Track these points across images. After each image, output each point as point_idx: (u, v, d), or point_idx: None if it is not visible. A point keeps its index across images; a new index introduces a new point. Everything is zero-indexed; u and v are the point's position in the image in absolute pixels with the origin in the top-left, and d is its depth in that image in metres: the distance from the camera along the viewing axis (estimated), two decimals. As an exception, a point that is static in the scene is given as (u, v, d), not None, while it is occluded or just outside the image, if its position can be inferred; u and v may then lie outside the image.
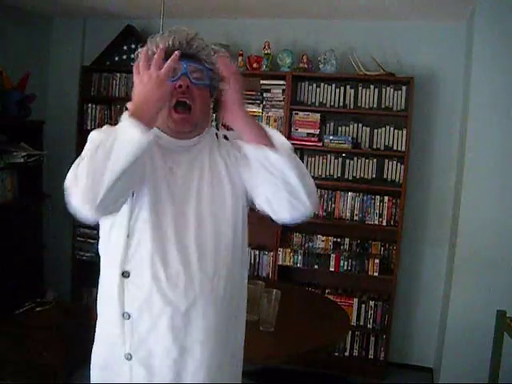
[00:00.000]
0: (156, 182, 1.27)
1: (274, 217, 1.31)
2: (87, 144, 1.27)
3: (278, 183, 1.22)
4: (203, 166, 1.32)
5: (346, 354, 3.75)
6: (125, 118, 1.15)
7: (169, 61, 1.20)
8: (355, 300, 3.69)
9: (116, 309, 1.27)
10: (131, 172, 1.14)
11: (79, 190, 1.11)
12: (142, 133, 1.12)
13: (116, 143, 1.11)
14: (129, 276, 1.26)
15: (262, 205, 1.30)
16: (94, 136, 1.29)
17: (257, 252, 3.86)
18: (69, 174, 1.17)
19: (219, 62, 1.27)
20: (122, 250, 1.27)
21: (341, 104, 3.69)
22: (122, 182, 1.12)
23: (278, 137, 1.26)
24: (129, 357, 1.27)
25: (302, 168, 1.25)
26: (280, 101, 3.75)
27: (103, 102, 4.18)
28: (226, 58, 1.30)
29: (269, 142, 1.22)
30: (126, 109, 1.20)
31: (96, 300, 1.39)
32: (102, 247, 1.37)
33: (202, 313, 1.28)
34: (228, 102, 1.25)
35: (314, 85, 3.73)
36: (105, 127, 1.33)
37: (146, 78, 1.20)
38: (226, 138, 1.41)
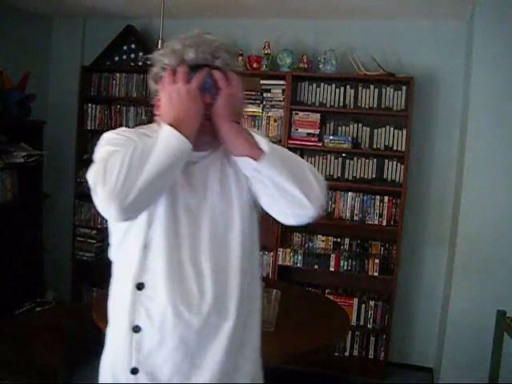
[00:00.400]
0: (175, 193, 1.24)
1: (280, 221, 1.27)
2: (102, 145, 1.23)
3: (272, 192, 1.18)
4: (215, 177, 1.28)
5: (346, 353, 3.75)
6: (164, 128, 1.12)
7: (199, 77, 1.19)
8: (355, 300, 3.69)
9: (126, 321, 1.24)
10: (165, 179, 1.12)
11: (108, 187, 1.06)
12: (183, 142, 1.11)
13: (156, 147, 1.09)
14: (143, 288, 1.22)
15: (268, 211, 1.27)
16: (111, 137, 1.25)
17: (257, 252, 3.86)
18: (92, 172, 1.12)
19: (215, 74, 1.22)
20: (138, 261, 1.22)
21: (341, 104, 3.69)
22: (154, 187, 1.10)
23: (267, 143, 1.19)
24: (135, 371, 1.23)
25: (297, 170, 1.19)
26: (280, 101, 3.75)
27: (103, 101, 4.18)
28: (228, 71, 1.25)
29: (256, 152, 1.17)
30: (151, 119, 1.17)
31: (104, 308, 1.35)
32: (114, 255, 1.33)
33: (215, 329, 1.24)
34: (214, 114, 1.21)
35: (314, 85, 3.73)
36: (121, 129, 1.28)
37: (175, 95, 1.17)
38: None
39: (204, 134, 1.21)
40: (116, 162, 1.07)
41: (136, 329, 1.23)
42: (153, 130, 1.26)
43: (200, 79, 1.20)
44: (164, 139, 1.11)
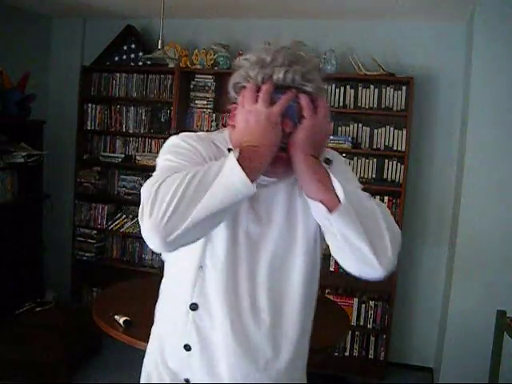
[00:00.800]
0: (236, 216, 1.15)
1: (344, 268, 1.15)
2: (165, 152, 1.14)
3: (342, 246, 1.07)
4: (281, 206, 1.18)
5: (346, 353, 3.76)
6: (231, 161, 0.99)
7: (283, 101, 1.06)
8: (355, 300, 3.69)
9: (178, 340, 1.20)
10: (218, 218, 1.03)
11: (155, 218, 0.97)
12: (248, 185, 0.98)
13: (216, 183, 0.98)
14: (197, 309, 1.17)
15: (334, 257, 1.13)
16: (175, 143, 1.15)
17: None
18: (145, 189, 1.02)
19: (302, 100, 1.07)
20: (193, 282, 1.17)
21: (341, 104, 3.68)
22: (204, 225, 1.00)
23: (343, 190, 1.05)
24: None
25: (372, 226, 1.06)
26: (280, 101, 3.74)
27: (103, 101, 4.18)
28: (318, 98, 1.10)
29: (330, 199, 1.04)
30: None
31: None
32: (165, 256, 1.27)
33: (265, 367, 1.19)
34: (292, 145, 1.08)
35: (314, 85, 3.72)
36: (189, 135, 1.17)
37: (253, 118, 1.05)
38: (327, 161, 1.18)
39: (277, 165, 1.10)
40: (169, 191, 0.97)
41: (187, 347, 1.19)
42: (224, 138, 1.19)
43: (284, 104, 1.06)
44: (227, 176, 0.98)
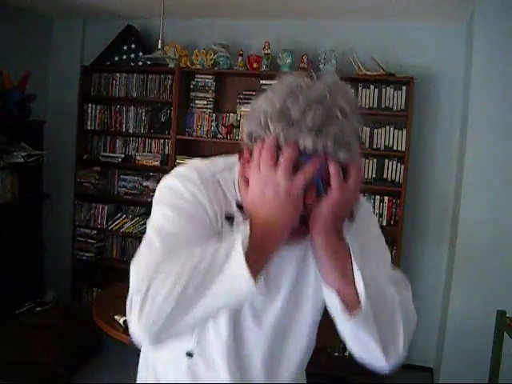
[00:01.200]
0: None
1: None
2: (160, 202, 0.99)
3: (351, 342, 0.98)
4: (291, 272, 1.07)
5: (346, 354, 3.76)
6: (238, 259, 0.84)
7: (308, 171, 0.86)
8: (355, 300, 3.69)
9: (171, 378, 1.14)
10: (214, 317, 0.96)
11: (146, 318, 0.85)
12: (252, 288, 0.85)
13: (218, 284, 0.85)
14: (192, 356, 1.10)
15: (339, 333, 1.03)
16: (174, 188, 0.98)
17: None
18: (138, 277, 0.90)
19: (331, 168, 0.87)
20: (190, 332, 1.08)
21: (341, 104, 3.68)
22: (198, 325, 0.96)
23: (364, 286, 0.91)
24: None
25: (389, 328, 0.95)
26: (280, 101, 3.73)
27: (103, 101, 4.18)
28: (351, 167, 0.90)
29: (348, 291, 0.92)
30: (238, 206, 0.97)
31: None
32: None
33: None
34: (312, 220, 0.92)
35: (314, 85, 3.72)
36: (189, 176, 0.99)
37: (270, 191, 0.87)
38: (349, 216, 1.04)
39: (293, 238, 0.94)
40: (162, 290, 0.84)
41: None
42: (232, 182, 1.02)
43: (309, 175, 0.87)
44: (231, 279, 0.85)
